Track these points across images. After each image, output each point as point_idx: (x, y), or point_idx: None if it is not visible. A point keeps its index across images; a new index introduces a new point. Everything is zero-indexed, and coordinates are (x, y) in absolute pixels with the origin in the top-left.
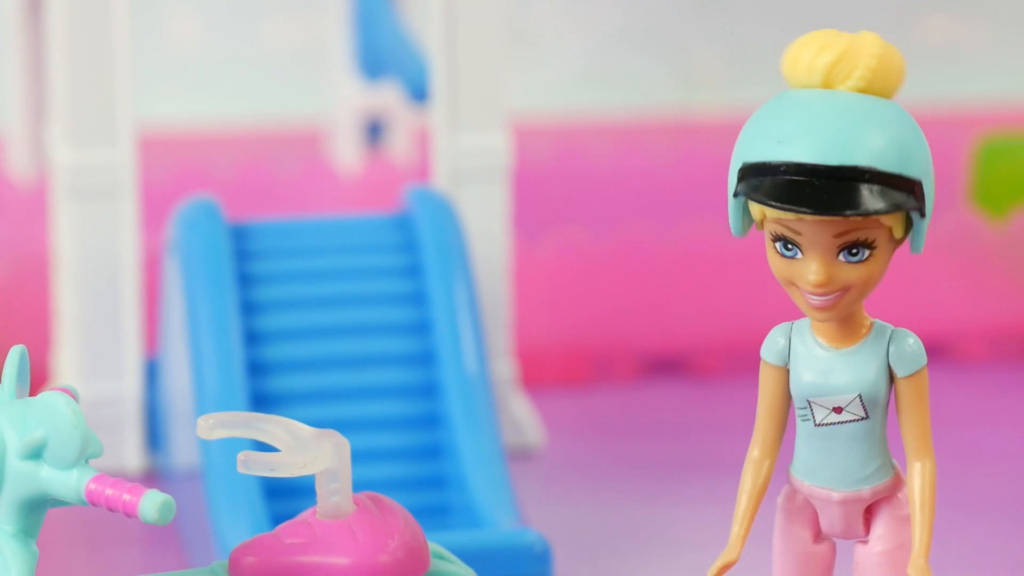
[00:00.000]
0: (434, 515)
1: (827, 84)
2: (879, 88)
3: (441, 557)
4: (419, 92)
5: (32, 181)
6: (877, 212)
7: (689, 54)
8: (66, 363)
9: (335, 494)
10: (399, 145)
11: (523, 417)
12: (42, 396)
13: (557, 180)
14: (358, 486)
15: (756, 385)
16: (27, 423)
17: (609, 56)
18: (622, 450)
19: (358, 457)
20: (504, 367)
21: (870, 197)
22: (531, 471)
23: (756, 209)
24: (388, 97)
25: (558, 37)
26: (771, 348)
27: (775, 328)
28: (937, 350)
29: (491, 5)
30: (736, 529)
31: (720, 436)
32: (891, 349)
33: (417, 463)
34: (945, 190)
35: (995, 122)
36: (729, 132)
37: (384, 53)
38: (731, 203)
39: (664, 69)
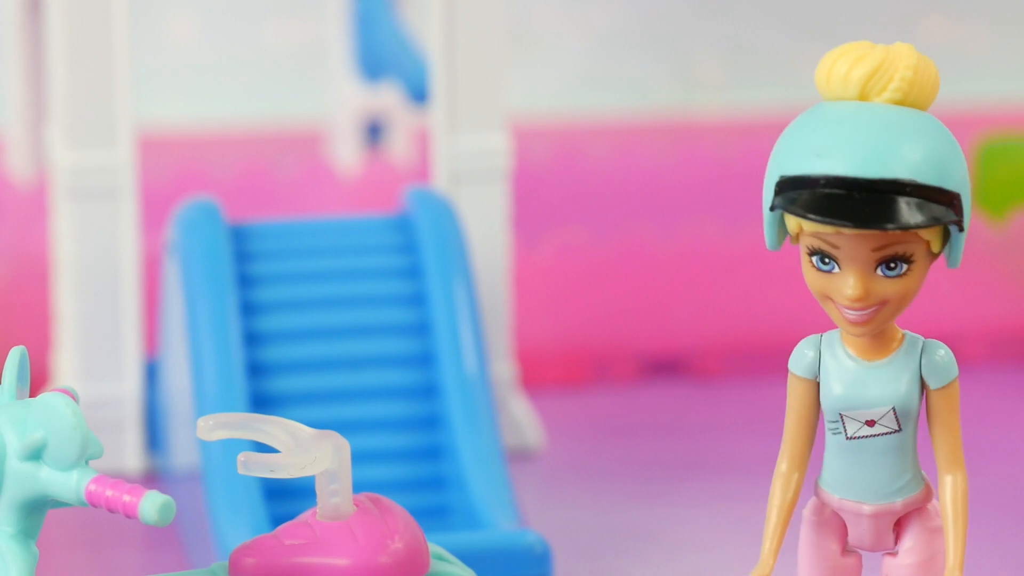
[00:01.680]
0: (434, 516)
1: (863, 96)
2: (914, 100)
3: (441, 558)
4: (419, 93)
5: (32, 182)
6: (917, 226)
7: (689, 54)
8: (66, 364)
9: (335, 495)
10: (399, 146)
11: (523, 418)
12: (42, 397)
13: (556, 180)
14: (358, 487)
15: (756, 385)
16: (27, 424)
17: (609, 56)
18: (622, 450)
19: (358, 458)
20: (504, 368)
21: (910, 211)
22: (531, 472)
23: (793, 222)
24: (388, 98)
25: (558, 37)
26: (799, 361)
27: (803, 340)
28: None
29: (491, 5)
30: (768, 544)
31: (720, 436)
32: (924, 361)
33: (417, 464)
34: None
35: (995, 122)
36: (729, 132)
37: (384, 54)
38: (767, 216)
39: (664, 69)
